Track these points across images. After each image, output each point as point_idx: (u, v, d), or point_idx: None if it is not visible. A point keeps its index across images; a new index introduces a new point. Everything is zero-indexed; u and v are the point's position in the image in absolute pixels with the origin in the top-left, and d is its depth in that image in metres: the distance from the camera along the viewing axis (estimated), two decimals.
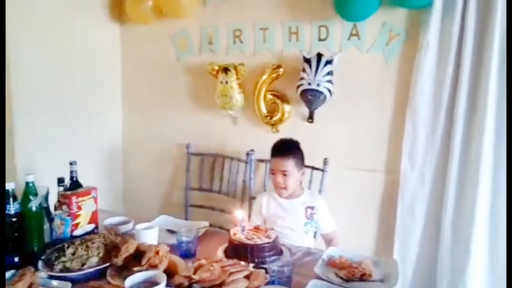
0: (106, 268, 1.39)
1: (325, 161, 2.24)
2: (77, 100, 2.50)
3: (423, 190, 2.11)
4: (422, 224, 2.14)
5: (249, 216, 2.20)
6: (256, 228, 1.70)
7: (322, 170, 2.24)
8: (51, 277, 1.31)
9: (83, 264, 1.40)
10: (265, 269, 1.39)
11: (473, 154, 1.94)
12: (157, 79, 2.77)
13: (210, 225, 1.94)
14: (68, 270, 1.36)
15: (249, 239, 1.57)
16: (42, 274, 1.29)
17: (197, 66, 2.58)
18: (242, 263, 1.43)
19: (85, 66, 2.54)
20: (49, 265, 1.38)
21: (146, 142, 2.86)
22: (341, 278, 1.41)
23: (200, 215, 2.55)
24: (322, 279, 1.38)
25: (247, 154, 2.45)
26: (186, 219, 2.59)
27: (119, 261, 1.38)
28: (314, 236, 2.10)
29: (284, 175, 1.94)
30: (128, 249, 1.41)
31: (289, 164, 1.94)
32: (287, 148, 1.99)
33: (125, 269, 1.36)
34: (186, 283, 1.26)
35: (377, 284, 1.39)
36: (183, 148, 2.66)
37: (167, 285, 1.23)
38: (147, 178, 2.89)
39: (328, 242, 2.06)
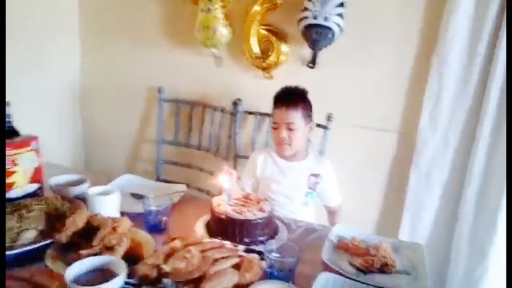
0: (45, 246, 1.08)
1: (329, 117, 1.94)
2: (22, 26, 2.05)
3: (444, 157, 1.86)
4: (439, 196, 1.91)
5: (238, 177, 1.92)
6: (246, 198, 1.42)
7: (325, 127, 1.95)
8: None
9: (14, 241, 1.09)
10: (259, 253, 1.11)
11: None
12: (122, 7, 2.35)
13: (186, 187, 1.64)
14: None
15: (238, 212, 1.28)
16: None
17: None
18: (228, 244, 1.15)
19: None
20: None
21: (109, 83, 2.48)
22: (357, 268, 1.16)
23: (175, 173, 2.29)
24: (332, 269, 1.11)
25: (234, 103, 2.12)
26: (157, 178, 2.30)
27: (62, 238, 1.08)
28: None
29: (290, 129, 1.66)
30: (75, 223, 1.10)
31: (296, 116, 1.66)
32: (293, 97, 1.70)
33: (70, 250, 1.06)
34: (154, 274, 0.97)
35: (403, 278, 1.14)
36: (154, 92, 2.31)
37: (127, 276, 0.93)
38: (111, 127, 2.54)
39: (332, 214, 1.85)
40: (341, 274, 1.09)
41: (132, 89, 2.42)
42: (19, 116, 1.48)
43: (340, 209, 1.85)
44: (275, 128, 1.70)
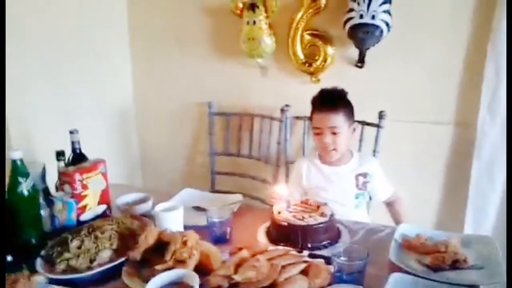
0: (121, 264, 1.14)
1: (381, 115, 1.91)
2: (78, 57, 2.16)
3: (506, 147, 1.77)
4: (503, 189, 1.82)
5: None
6: (305, 203, 1.43)
7: (378, 126, 1.91)
8: (52, 281, 1.07)
9: (91, 261, 1.15)
10: (324, 258, 1.12)
11: None
12: (171, 24, 2.43)
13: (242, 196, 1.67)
14: (73, 269, 1.12)
15: (299, 218, 1.29)
16: (40, 278, 1.05)
17: (218, 4, 2.23)
18: (293, 251, 1.16)
19: (86, 15, 2.20)
20: (49, 263, 1.14)
21: (161, 103, 2.57)
22: (426, 266, 1.13)
23: (228, 183, 2.34)
24: (401, 269, 1.09)
25: (282, 110, 2.13)
26: (212, 189, 2.35)
27: (136, 255, 1.13)
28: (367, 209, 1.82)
29: (334, 133, 1.62)
30: (147, 240, 1.15)
31: (339, 119, 1.62)
32: (333, 99, 1.66)
33: (145, 266, 1.11)
34: (226, 285, 1.00)
35: (477, 273, 1.10)
36: (205, 107, 2.36)
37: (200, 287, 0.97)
38: (165, 145, 2.63)
39: (391, 205, 1.79)
40: (412, 274, 1.07)
41: (183, 106, 2.50)
42: (82, 142, 1.58)
43: (398, 197, 1.78)
44: (317, 134, 1.66)
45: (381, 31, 1.80)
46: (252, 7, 2.00)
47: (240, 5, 2.05)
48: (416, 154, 2.00)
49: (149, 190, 1.65)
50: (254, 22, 2.02)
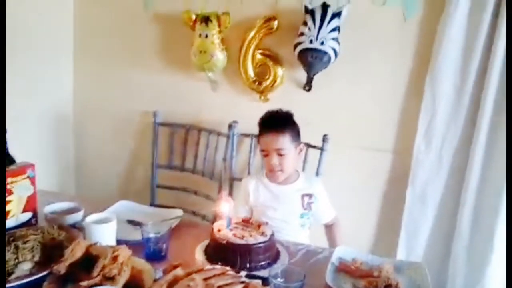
0: (42, 278, 1.04)
1: (325, 138, 1.95)
2: (14, 53, 2.00)
3: (438, 176, 1.88)
4: (434, 215, 1.92)
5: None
6: (246, 221, 1.40)
7: (321, 149, 1.94)
8: None
9: (10, 274, 1.05)
10: (261, 278, 1.10)
11: (504, 136, 1.69)
12: (118, 31, 2.35)
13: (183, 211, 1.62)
14: None
15: (239, 237, 1.26)
16: None
17: (169, 14, 2.19)
18: (231, 271, 1.12)
19: (28, 9, 2.06)
20: None
21: (103, 108, 2.45)
22: None
23: (169, 198, 2.27)
24: None
25: (229, 126, 2.11)
26: (151, 203, 2.26)
27: (61, 269, 1.04)
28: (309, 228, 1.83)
29: (280, 155, 1.63)
30: (74, 253, 1.07)
31: (285, 141, 1.64)
32: (280, 121, 1.67)
33: (69, 281, 1.03)
34: None
35: None
36: (149, 116, 2.29)
37: None
38: (104, 153, 2.50)
39: (329, 228, 1.83)
40: None
41: (126, 113, 2.40)
42: (11, 142, 1.46)
43: (338, 221, 1.82)
44: (265, 155, 1.66)
45: (329, 58, 1.85)
46: (205, 20, 1.99)
47: (193, 17, 2.03)
48: (355, 179, 2.05)
49: (83, 199, 1.56)
50: (207, 36, 2.00)
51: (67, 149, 2.50)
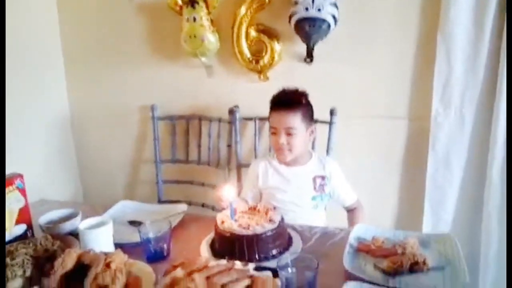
0: None
1: (332, 111, 1.82)
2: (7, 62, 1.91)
3: (461, 136, 1.73)
4: (461, 179, 1.78)
5: (239, 190, 1.82)
6: (252, 209, 1.31)
7: (329, 123, 1.82)
8: None
9: None
10: (272, 270, 0.99)
11: None
12: (104, 25, 2.23)
13: (189, 204, 1.53)
14: None
15: (244, 227, 1.16)
16: None
17: (154, 2, 2.07)
18: (238, 263, 1.03)
19: (15, 17, 1.96)
20: None
21: (99, 110, 2.35)
22: (383, 271, 1.03)
23: (177, 192, 2.19)
24: (357, 277, 0.99)
25: (230, 111, 2.00)
26: (159, 199, 2.18)
27: (52, 283, 0.96)
28: (325, 208, 1.73)
29: (289, 134, 1.55)
30: (64, 264, 0.98)
31: (296, 120, 1.55)
32: (292, 100, 1.58)
33: None
34: None
35: (438, 276, 1.01)
36: (147, 111, 2.19)
37: None
38: (106, 155, 2.41)
39: (351, 213, 1.72)
40: (367, 282, 0.96)
41: (123, 110, 2.30)
42: (12, 154, 1.39)
43: (360, 205, 1.72)
44: (273, 133, 1.59)
45: (328, 25, 1.71)
46: (192, 2, 1.86)
47: (179, 1, 1.91)
48: (370, 150, 1.92)
49: (88, 204, 1.48)
50: (195, 19, 1.88)
51: (69, 156, 2.43)
